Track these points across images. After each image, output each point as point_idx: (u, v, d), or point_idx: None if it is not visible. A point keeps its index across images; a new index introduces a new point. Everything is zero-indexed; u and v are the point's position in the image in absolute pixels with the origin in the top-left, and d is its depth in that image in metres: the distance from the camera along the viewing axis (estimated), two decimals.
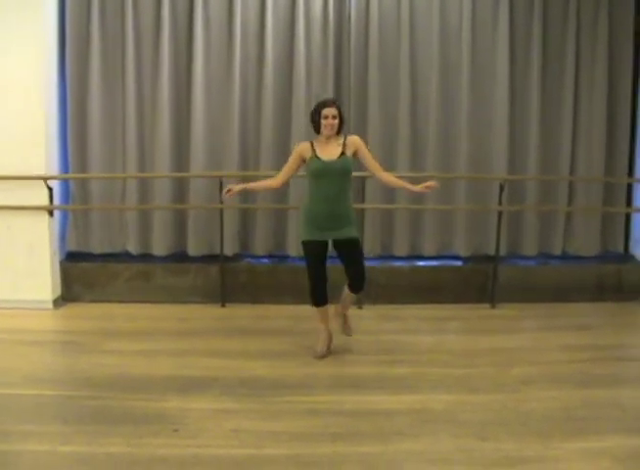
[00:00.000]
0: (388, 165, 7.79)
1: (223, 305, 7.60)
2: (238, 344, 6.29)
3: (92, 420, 4.66)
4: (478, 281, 7.97)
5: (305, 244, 5.79)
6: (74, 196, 7.96)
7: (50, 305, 7.52)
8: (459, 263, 8.21)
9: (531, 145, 8.08)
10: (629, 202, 8.38)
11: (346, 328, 6.23)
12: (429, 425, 4.62)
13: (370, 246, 7.92)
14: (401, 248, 8.14)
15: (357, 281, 5.84)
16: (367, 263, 7.58)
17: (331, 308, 6.01)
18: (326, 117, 5.61)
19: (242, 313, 7.41)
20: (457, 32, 7.95)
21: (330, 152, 5.66)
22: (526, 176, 8.10)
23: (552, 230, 8.28)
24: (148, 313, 7.40)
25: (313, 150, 5.69)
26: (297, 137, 7.80)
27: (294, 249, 8.00)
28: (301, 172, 5.99)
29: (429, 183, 5.73)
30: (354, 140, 5.75)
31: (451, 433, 4.50)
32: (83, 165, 7.91)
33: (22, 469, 3.97)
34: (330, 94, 7.79)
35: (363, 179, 7.50)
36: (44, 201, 7.40)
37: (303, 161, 5.76)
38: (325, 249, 5.79)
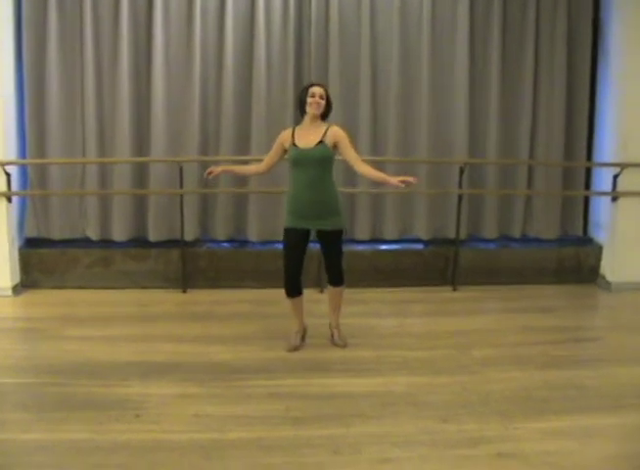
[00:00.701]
0: None
1: (184, 291, 7.58)
2: (200, 329, 6.28)
3: (53, 407, 4.63)
4: (439, 264, 8.03)
5: (286, 231, 5.72)
6: (33, 181, 7.86)
7: (9, 293, 7.44)
8: (420, 247, 8.25)
9: (491, 129, 8.13)
10: (588, 185, 8.48)
11: (338, 338, 5.99)
12: (391, 407, 4.66)
13: None
14: (363, 231, 8.16)
15: (332, 274, 5.82)
16: None
17: (304, 303, 5.94)
18: (313, 96, 5.54)
19: (203, 298, 7.39)
20: (417, 19, 7.96)
21: (308, 139, 5.55)
22: (486, 160, 8.15)
23: (512, 213, 8.35)
24: (109, 299, 7.36)
25: (292, 137, 5.61)
26: (256, 123, 7.80)
27: (254, 233, 7.99)
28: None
29: (408, 178, 5.53)
30: (336, 131, 5.60)
31: (413, 415, 4.54)
32: (42, 151, 7.81)
33: None
34: (290, 80, 7.80)
35: None
36: (2, 187, 7.31)
37: (285, 149, 5.70)
38: (306, 238, 5.71)
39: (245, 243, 8.16)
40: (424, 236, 8.21)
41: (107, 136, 7.90)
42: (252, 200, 7.97)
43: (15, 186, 7.51)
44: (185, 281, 7.62)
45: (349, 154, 5.67)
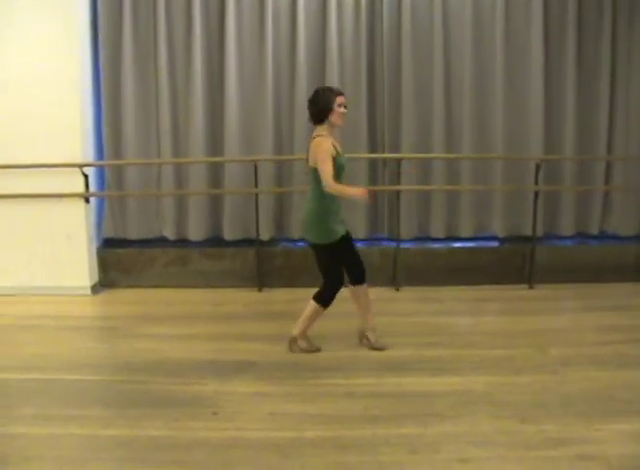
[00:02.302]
0: (424, 147, 7.80)
1: (260, 290, 7.61)
2: (275, 327, 6.29)
3: (132, 404, 4.70)
4: (515, 262, 7.91)
5: (339, 241, 5.39)
6: (110, 183, 8.00)
7: (88, 292, 7.58)
8: (496, 244, 8.16)
9: (568, 124, 7.98)
10: None
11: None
12: (468, 407, 4.60)
13: (406, 228, 7.89)
14: (438, 229, 8.09)
15: (363, 272, 5.62)
16: (404, 245, 7.65)
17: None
18: (344, 107, 5.30)
19: (278, 297, 7.41)
20: (491, 12, 7.86)
21: (340, 147, 5.38)
22: (563, 156, 8.02)
23: (589, 209, 8.19)
24: (185, 298, 7.44)
25: (334, 146, 5.27)
26: None
27: None
28: None
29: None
30: None
31: (491, 415, 4.47)
32: (118, 152, 7.95)
33: (65, 452, 4.00)
34: (363, 77, 7.78)
35: (398, 161, 7.49)
36: (80, 188, 7.44)
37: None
38: (349, 242, 5.58)
39: None
40: (500, 233, 8.10)
41: (181, 137, 7.99)
42: None
43: (92, 187, 7.64)
44: (260, 280, 7.65)
45: None
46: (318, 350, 5.69)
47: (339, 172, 5.23)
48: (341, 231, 5.40)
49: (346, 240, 5.50)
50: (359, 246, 7.82)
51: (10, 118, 7.30)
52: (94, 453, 4.01)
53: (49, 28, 7.24)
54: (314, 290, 7.10)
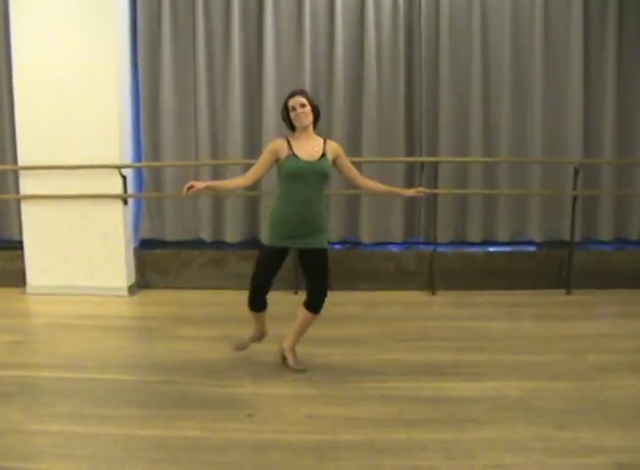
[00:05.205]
0: (461, 151, 7.77)
1: (296, 292, 7.60)
2: (312, 330, 6.23)
3: (168, 404, 4.72)
4: (552, 267, 7.85)
5: (267, 249, 5.23)
6: (148, 184, 8.06)
7: (125, 292, 7.64)
8: (533, 249, 8.11)
9: (607, 127, 7.92)
10: None
11: (294, 362, 5.45)
12: (504, 412, 4.57)
13: (443, 231, 7.88)
14: (475, 233, 8.07)
15: (317, 298, 5.30)
16: (441, 249, 7.61)
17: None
18: (293, 109, 5.08)
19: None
20: (530, 14, 7.82)
21: (309, 151, 5.08)
22: (602, 160, 7.95)
23: (628, 214, 8.12)
24: (221, 300, 7.48)
25: (290, 148, 5.08)
26: (367, 122, 7.78)
27: (366, 235, 8.00)
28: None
29: (420, 189, 5.50)
30: (336, 146, 5.22)
31: (528, 421, 4.43)
32: (156, 154, 8.02)
33: (100, 451, 4.02)
34: (400, 79, 7.77)
35: (436, 165, 7.47)
36: (118, 189, 7.50)
37: (277, 160, 5.12)
38: (285, 256, 5.25)
39: (357, 244, 8.16)
40: (537, 238, 8.05)
41: (219, 139, 8.04)
42: (364, 201, 7.96)
43: (130, 189, 7.71)
44: (297, 282, 7.64)
45: (351, 168, 5.32)
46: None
47: (289, 175, 5.07)
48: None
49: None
50: (395, 249, 7.86)
51: (49, 120, 7.41)
52: (129, 453, 4.03)
53: (89, 30, 7.32)
54: (350, 293, 7.15)
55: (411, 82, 7.95)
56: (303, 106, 5.07)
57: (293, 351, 5.47)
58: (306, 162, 5.03)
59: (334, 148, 5.20)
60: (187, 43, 7.91)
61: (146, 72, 7.92)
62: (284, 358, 5.45)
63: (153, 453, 4.02)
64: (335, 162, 5.20)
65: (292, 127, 5.19)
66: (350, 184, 5.62)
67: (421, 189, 5.57)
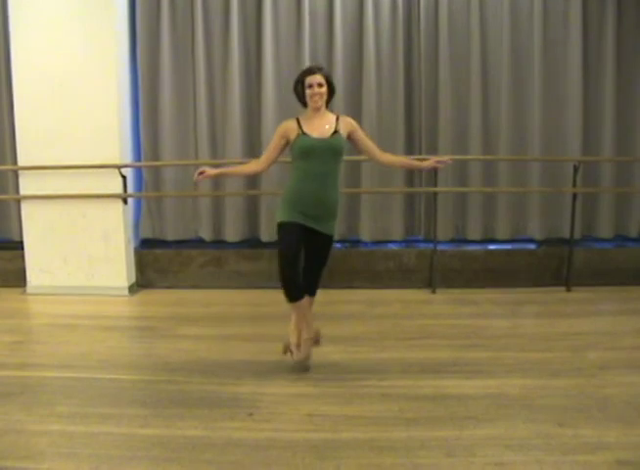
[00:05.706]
0: (461, 149, 7.76)
1: None
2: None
3: (169, 404, 4.71)
4: (552, 264, 7.86)
5: (284, 225, 5.00)
6: (147, 184, 8.07)
7: (125, 292, 7.65)
8: (533, 247, 8.12)
9: (606, 125, 7.94)
10: None
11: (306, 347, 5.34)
12: (504, 410, 4.56)
13: (443, 229, 7.89)
14: (475, 231, 8.08)
15: (311, 284, 5.33)
16: (441, 247, 7.62)
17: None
18: (310, 87, 4.94)
19: (314, 298, 7.39)
20: (529, 11, 7.84)
21: (321, 128, 5.00)
22: (601, 157, 7.96)
23: (628, 212, 8.14)
24: (222, 299, 7.48)
25: (300, 127, 4.99)
26: (368, 124, 7.77)
27: (366, 233, 8.00)
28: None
29: (442, 158, 5.40)
30: (349, 121, 5.13)
31: (528, 418, 4.43)
32: (156, 153, 8.02)
33: (102, 450, 4.02)
34: (400, 78, 7.76)
35: None
36: (118, 189, 7.50)
37: (287, 142, 5.06)
38: (302, 233, 5.02)
39: (357, 243, 8.17)
40: (537, 236, 8.07)
41: (218, 138, 8.05)
42: (364, 199, 7.97)
43: (130, 188, 7.71)
44: None
45: (368, 143, 5.22)
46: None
47: (301, 154, 4.98)
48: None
49: None
50: (395, 247, 7.86)
51: (49, 120, 7.40)
52: (130, 452, 4.02)
53: (88, 30, 7.32)
54: (350, 291, 7.15)
55: (410, 81, 7.96)
56: (321, 86, 4.97)
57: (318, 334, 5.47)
58: (317, 139, 4.95)
59: (347, 123, 5.11)
60: (186, 43, 7.91)
61: (145, 72, 7.92)
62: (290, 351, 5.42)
63: (154, 453, 4.01)
64: (350, 137, 5.12)
65: (304, 104, 5.09)
66: (370, 159, 5.51)
67: (438, 158, 5.47)
